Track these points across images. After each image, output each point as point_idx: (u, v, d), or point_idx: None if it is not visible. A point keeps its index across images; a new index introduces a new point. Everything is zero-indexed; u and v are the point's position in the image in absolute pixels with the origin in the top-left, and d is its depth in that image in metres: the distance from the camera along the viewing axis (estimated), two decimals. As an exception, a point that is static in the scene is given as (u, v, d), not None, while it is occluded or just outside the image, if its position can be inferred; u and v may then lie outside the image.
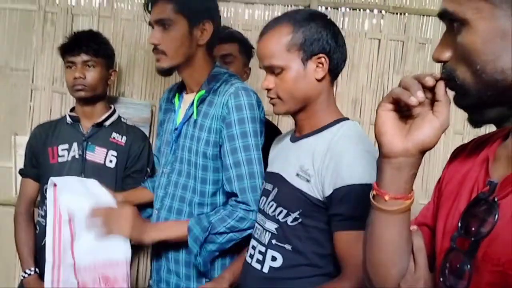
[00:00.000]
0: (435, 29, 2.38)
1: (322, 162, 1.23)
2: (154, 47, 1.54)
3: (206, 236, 1.46)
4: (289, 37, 1.27)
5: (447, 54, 0.77)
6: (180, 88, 1.69)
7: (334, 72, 1.33)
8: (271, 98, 1.33)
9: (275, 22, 1.32)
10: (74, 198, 1.43)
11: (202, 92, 1.55)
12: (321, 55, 1.28)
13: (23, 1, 2.49)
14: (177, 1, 1.52)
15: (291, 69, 1.28)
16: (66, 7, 2.45)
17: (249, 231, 1.48)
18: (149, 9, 1.57)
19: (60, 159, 1.98)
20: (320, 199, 1.24)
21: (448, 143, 2.37)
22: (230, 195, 1.53)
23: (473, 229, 0.74)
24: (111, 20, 2.45)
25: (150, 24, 1.57)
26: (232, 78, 1.57)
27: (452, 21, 0.75)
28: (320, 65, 1.29)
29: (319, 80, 1.30)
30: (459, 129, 2.37)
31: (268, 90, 1.32)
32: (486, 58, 0.71)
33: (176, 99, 1.67)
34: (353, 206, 1.16)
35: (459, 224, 0.76)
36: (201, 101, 1.56)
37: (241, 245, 1.53)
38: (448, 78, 0.77)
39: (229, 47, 2.03)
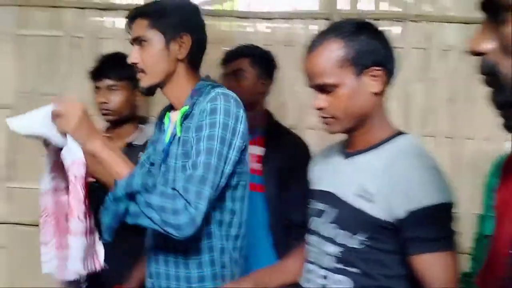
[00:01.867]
0: (458, 35, 2.38)
1: (385, 182, 1.16)
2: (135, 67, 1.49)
3: (136, 192, 1.27)
4: (340, 52, 1.19)
5: (487, 45, 0.67)
6: (171, 107, 1.59)
7: (388, 83, 1.26)
8: (324, 118, 1.25)
9: (321, 38, 1.23)
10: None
11: (186, 108, 1.46)
12: (375, 67, 1.20)
13: (50, 27, 2.55)
14: (151, 16, 1.46)
15: (345, 85, 1.20)
16: (92, 32, 2.51)
17: (171, 231, 1.27)
18: (130, 29, 1.51)
19: (91, 179, 2.01)
20: (389, 220, 1.16)
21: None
22: None
23: None
24: (137, 41, 2.49)
25: (131, 43, 1.52)
26: (216, 88, 1.46)
27: (497, 10, 0.66)
28: (376, 78, 1.21)
29: (375, 94, 1.22)
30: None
31: (320, 109, 1.25)
32: None
33: (166, 119, 1.57)
34: (432, 227, 1.12)
35: None
36: (185, 117, 1.46)
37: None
38: (488, 73, 0.69)
39: (239, 62, 2.01)
